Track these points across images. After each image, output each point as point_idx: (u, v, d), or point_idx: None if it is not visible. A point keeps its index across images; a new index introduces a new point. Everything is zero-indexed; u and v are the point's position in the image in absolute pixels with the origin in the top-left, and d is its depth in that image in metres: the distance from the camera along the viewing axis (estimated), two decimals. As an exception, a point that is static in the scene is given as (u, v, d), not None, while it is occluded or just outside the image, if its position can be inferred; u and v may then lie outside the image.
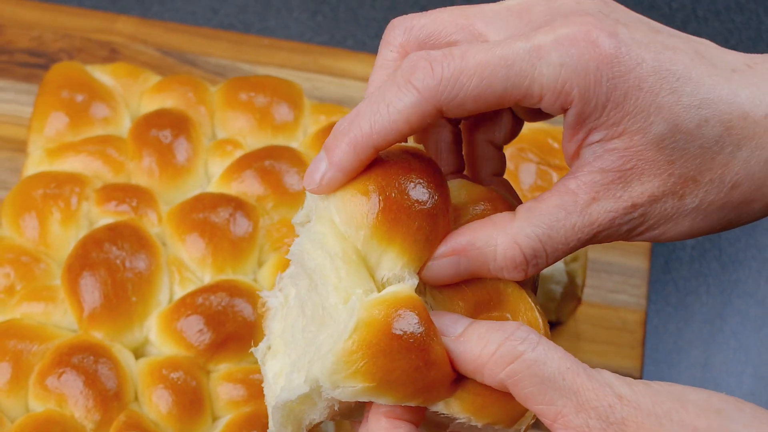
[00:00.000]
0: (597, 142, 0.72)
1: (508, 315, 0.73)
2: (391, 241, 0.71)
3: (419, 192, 0.72)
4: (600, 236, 0.73)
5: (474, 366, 0.70)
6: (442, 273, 0.73)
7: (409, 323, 0.68)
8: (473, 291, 0.73)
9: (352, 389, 0.69)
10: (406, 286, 0.70)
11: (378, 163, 0.73)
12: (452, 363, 0.70)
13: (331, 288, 0.71)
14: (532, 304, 0.73)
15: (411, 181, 0.72)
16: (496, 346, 0.69)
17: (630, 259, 1.24)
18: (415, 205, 0.71)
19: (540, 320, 0.73)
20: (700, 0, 1.53)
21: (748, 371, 1.29)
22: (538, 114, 0.79)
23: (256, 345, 1.05)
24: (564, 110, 0.72)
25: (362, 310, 0.68)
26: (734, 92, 0.73)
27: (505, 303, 0.73)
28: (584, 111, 0.72)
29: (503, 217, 0.73)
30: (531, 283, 0.76)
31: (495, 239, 0.72)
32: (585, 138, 0.73)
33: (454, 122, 0.80)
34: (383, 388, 0.69)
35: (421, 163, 0.73)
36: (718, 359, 1.30)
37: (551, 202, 0.73)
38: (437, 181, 0.73)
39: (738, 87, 0.73)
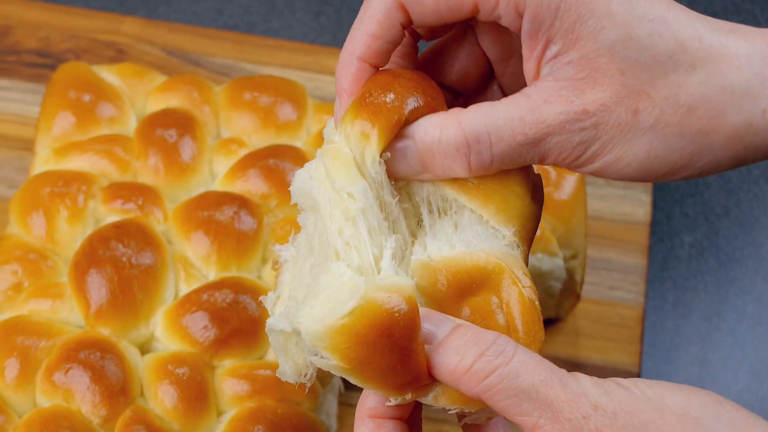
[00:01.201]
0: (554, 57, 0.73)
1: (494, 298, 0.73)
2: (368, 133, 0.74)
3: (402, 92, 0.74)
4: (549, 142, 0.73)
5: (451, 378, 0.71)
6: (395, 156, 0.74)
7: (400, 326, 0.70)
8: (454, 276, 0.74)
9: (326, 361, 0.71)
10: (410, 283, 0.71)
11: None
12: (430, 369, 0.71)
13: (330, 207, 0.73)
14: (516, 279, 0.74)
15: (397, 83, 0.75)
16: (472, 360, 0.70)
17: (628, 257, 1.25)
18: (395, 101, 0.74)
19: (525, 294, 0.74)
20: (698, 1, 1.53)
21: (744, 367, 1.29)
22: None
23: (261, 344, 1.07)
24: (520, 17, 0.73)
25: (365, 294, 0.69)
26: (690, 21, 0.74)
27: (488, 283, 0.74)
28: (538, 14, 0.72)
29: (458, 109, 0.75)
30: (522, 252, 0.76)
31: (443, 122, 0.74)
32: (543, 53, 0.74)
33: (454, 92, 0.82)
34: (355, 373, 0.71)
35: (412, 73, 0.76)
36: (715, 356, 1.30)
37: (504, 101, 0.74)
38: (423, 88, 0.75)
39: (694, 19, 0.74)
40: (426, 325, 0.71)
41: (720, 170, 0.75)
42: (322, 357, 0.71)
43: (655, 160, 0.74)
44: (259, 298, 0.80)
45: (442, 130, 0.73)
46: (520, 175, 0.76)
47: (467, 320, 0.74)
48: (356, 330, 0.69)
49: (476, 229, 0.75)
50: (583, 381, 0.69)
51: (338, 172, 0.74)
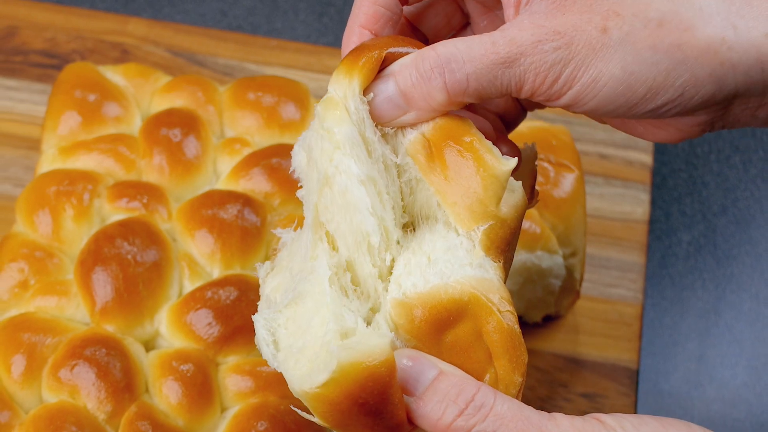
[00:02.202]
0: (528, 1, 0.75)
1: (474, 328, 0.74)
2: (352, 72, 0.77)
3: (386, 40, 0.78)
4: (523, 62, 0.74)
5: (432, 430, 0.73)
6: (378, 95, 0.77)
7: (374, 394, 0.71)
8: (430, 311, 0.74)
9: (309, 416, 0.74)
10: (385, 342, 0.72)
11: None
12: (411, 419, 0.73)
13: (320, 142, 0.76)
14: (493, 305, 0.74)
15: (384, 38, 0.79)
16: (452, 419, 0.72)
17: (627, 255, 1.25)
18: (378, 45, 0.77)
19: (503, 321, 0.74)
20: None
21: (741, 363, 1.29)
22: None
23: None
24: None
25: (338, 367, 0.71)
26: None
27: (465, 314, 0.75)
28: None
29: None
30: (498, 268, 0.77)
31: (419, 53, 0.76)
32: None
33: None
34: (336, 429, 0.73)
35: (403, 35, 0.80)
36: (713, 352, 1.30)
37: (479, 34, 0.77)
38: (410, 41, 0.79)
39: None
40: (408, 374, 0.73)
41: (702, 94, 0.75)
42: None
43: (631, 76, 0.74)
44: (255, 265, 0.82)
45: (419, 59, 0.76)
46: (487, 180, 0.76)
47: (448, 354, 0.75)
48: (330, 399, 0.71)
49: (449, 258, 0.76)
50: (563, 425, 0.71)
51: (327, 114, 0.76)
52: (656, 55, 0.74)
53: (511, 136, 1.13)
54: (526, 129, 1.19)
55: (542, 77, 0.74)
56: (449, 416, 0.72)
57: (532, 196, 0.83)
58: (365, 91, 0.77)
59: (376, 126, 0.78)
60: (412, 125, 0.78)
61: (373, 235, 0.76)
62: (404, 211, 0.79)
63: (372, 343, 0.71)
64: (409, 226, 0.79)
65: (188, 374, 1.04)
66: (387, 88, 0.76)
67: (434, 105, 0.76)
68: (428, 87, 0.75)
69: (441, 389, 0.72)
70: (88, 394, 1.02)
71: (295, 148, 0.79)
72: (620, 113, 0.75)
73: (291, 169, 0.80)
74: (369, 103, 0.77)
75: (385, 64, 0.77)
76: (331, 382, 0.71)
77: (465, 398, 0.72)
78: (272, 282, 0.80)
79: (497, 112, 0.87)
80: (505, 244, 0.76)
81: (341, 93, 0.77)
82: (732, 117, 0.78)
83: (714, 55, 0.74)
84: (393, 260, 0.77)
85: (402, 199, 0.78)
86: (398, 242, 0.78)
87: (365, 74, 0.76)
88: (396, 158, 0.78)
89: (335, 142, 0.75)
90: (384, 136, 0.78)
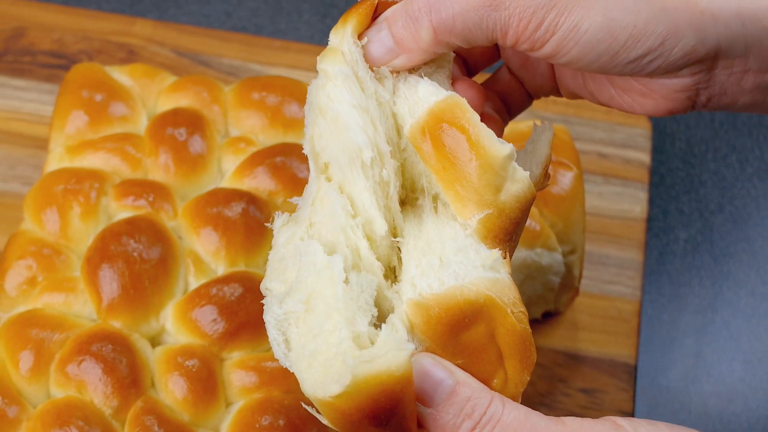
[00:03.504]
0: None
1: (487, 330, 0.75)
2: (346, 20, 0.79)
3: None
4: (509, 6, 0.75)
5: None
6: (372, 39, 0.79)
7: (386, 409, 0.71)
8: (446, 312, 0.74)
9: (320, 416, 0.74)
10: (404, 353, 0.72)
11: None
12: (425, 426, 0.74)
13: (316, 81, 0.78)
14: (506, 307, 0.75)
15: None
16: None
17: (625, 252, 1.25)
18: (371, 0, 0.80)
19: (516, 324, 0.75)
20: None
21: (738, 359, 1.29)
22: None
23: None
24: None
25: (352, 381, 0.70)
26: None
27: (479, 316, 0.75)
28: None
29: None
30: (506, 264, 0.77)
31: None
32: None
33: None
34: None
35: None
36: (710, 348, 1.29)
37: None
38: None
39: None
40: (424, 384, 0.74)
41: (683, 45, 0.75)
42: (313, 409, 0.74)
43: (612, 22, 0.75)
44: (274, 214, 0.83)
45: (408, 2, 0.77)
46: (481, 168, 0.75)
47: (461, 355, 0.75)
48: (342, 410, 0.71)
49: (460, 260, 0.75)
50: (571, 429, 0.72)
51: (324, 59, 0.78)
52: (637, 3, 0.74)
53: (512, 137, 1.13)
54: (525, 128, 1.19)
55: (525, 22, 0.75)
56: (464, 431, 0.73)
57: (545, 177, 0.83)
58: (360, 37, 0.79)
59: (371, 68, 0.79)
60: (406, 68, 0.79)
61: (366, 150, 0.76)
62: (402, 149, 0.80)
63: (389, 359, 0.71)
64: (409, 199, 0.80)
65: (193, 370, 1.04)
66: (379, 31, 0.78)
67: (422, 45, 0.77)
68: (416, 27, 0.77)
69: (457, 403, 0.73)
70: (95, 389, 1.02)
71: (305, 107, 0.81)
72: (603, 64, 0.76)
73: (303, 139, 0.82)
74: (363, 47, 0.79)
75: (379, 12, 0.79)
76: (345, 394, 0.70)
77: (479, 412, 0.73)
78: (286, 233, 0.80)
79: (501, 93, 0.88)
80: (504, 234, 0.76)
81: (337, 41, 0.79)
82: (718, 85, 0.78)
83: (694, 5, 0.75)
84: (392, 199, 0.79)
85: (399, 141, 0.80)
86: (400, 204, 0.79)
87: (358, 19, 0.79)
88: (389, 96, 0.79)
89: (329, 76, 0.77)
90: (379, 79, 0.80)
